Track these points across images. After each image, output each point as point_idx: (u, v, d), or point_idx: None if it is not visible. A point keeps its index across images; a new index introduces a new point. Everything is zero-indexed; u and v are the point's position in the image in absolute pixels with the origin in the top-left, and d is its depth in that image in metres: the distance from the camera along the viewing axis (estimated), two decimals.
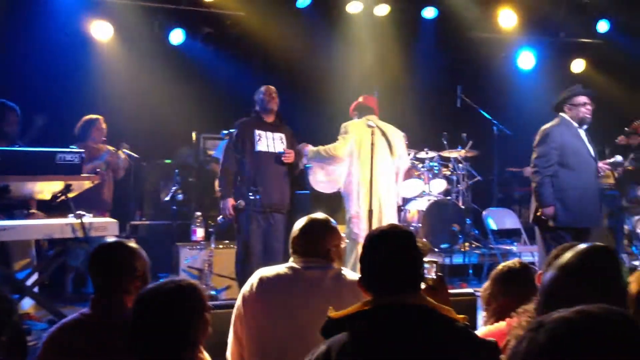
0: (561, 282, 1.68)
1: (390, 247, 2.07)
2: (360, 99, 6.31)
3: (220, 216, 5.98)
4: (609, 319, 1.06)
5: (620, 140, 7.44)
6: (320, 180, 6.17)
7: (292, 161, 5.85)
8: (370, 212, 5.62)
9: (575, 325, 1.04)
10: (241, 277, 5.49)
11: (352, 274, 2.88)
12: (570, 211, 5.27)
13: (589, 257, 1.71)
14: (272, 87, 5.88)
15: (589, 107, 5.44)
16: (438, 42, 9.50)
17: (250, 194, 5.52)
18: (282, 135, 5.89)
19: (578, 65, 10.08)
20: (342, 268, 2.94)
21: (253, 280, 2.85)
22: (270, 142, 5.80)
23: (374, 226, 5.27)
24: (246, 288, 2.85)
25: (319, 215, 3.05)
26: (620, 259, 1.72)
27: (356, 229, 5.86)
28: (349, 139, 5.98)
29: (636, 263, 7.31)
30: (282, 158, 5.77)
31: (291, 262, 2.90)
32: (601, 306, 1.09)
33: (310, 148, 6.05)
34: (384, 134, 6.05)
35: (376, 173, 5.73)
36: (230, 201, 5.70)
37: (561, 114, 5.46)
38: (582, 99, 5.44)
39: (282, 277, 2.82)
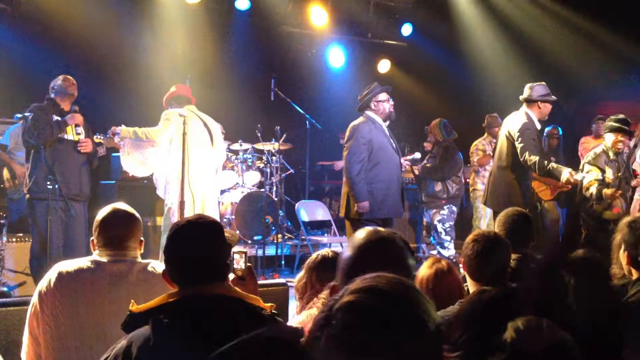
0: (352, 261, 1.74)
1: (196, 238, 2.01)
2: (174, 89, 6.13)
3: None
4: (390, 289, 1.07)
5: (427, 146, 8.02)
6: (133, 161, 5.94)
7: (90, 150, 5.64)
8: (182, 203, 5.49)
9: (361, 302, 1.04)
10: (37, 273, 5.15)
11: (161, 266, 2.76)
12: (376, 203, 5.53)
13: (372, 238, 1.80)
14: (71, 77, 5.68)
15: (391, 102, 5.75)
16: (252, 34, 9.53)
17: (48, 183, 5.14)
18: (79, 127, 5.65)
19: (384, 66, 10.67)
20: (151, 261, 2.81)
21: (51, 275, 2.64)
22: (67, 133, 5.57)
23: None
24: (43, 283, 2.64)
25: (122, 205, 2.89)
26: (401, 242, 1.84)
27: (175, 220, 5.70)
28: (169, 126, 5.85)
29: (434, 252, 7.87)
30: (79, 147, 5.57)
31: (94, 256, 2.71)
32: (378, 276, 1.10)
33: (123, 127, 5.78)
34: (205, 124, 6.01)
35: (196, 164, 5.69)
36: None
37: (366, 111, 5.70)
38: (384, 95, 5.73)
39: (83, 271, 2.64)
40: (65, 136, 5.52)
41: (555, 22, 9.13)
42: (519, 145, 5.59)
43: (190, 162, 5.77)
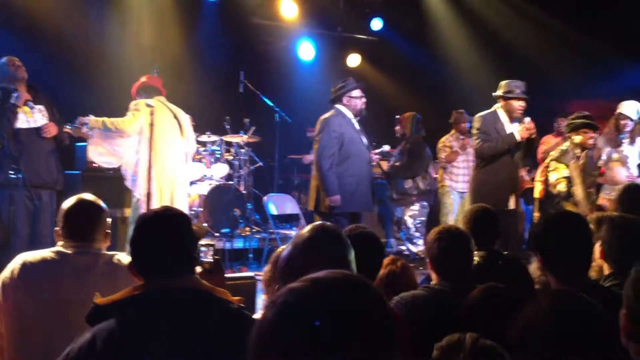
0: (294, 256, 1.74)
1: (162, 230, 1.99)
2: (144, 79, 6.04)
3: None
4: (334, 282, 1.06)
5: (397, 130, 7.92)
6: (101, 152, 5.80)
7: (54, 134, 5.39)
8: (149, 194, 5.43)
9: (302, 293, 1.03)
10: None
11: (127, 258, 2.72)
12: (346, 197, 5.54)
13: (316, 233, 1.81)
14: (14, 57, 5.36)
15: (364, 99, 5.76)
16: (221, 25, 9.45)
17: (11, 172, 4.98)
18: (41, 107, 5.40)
19: (354, 60, 10.68)
20: (116, 253, 2.77)
21: (14, 265, 2.61)
22: (28, 116, 5.30)
23: None
24: (6, 274, 2.60)
25: (88, 196, 2.85)
26: (344, 238, 1.86)
27: (144, 212, 5.61)
28: (139, 117, 5.73)
29: (402, 247, 7.93)
30: (42, 134, 5.31)
31: (59, 247, 2.67)
32: (329, 271, 1.08)
33: (92, 117, 5.64)
34: (175, 116, 5.94)
35: (166, 155, 5.64)
36: None
37: (337, 105, 5.70)
38: (358, 92, 5.74)
39: (48, 262, 2.62)
40: (24, 119, 5.25)
41: (523, 19, 9.24)
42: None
43: (158, 153, 5.70)
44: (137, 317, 1.82)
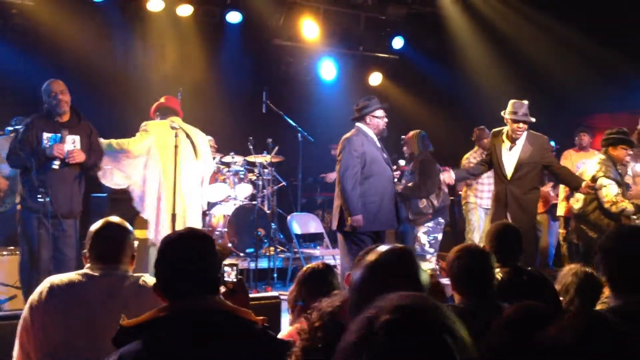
0: (367, 279, 1.74)
1: (186, 251, 2.01)
2: (163, 100, 6.09)
3: None
4: (427, 310, 1.09)
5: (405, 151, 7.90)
6: (110, 173, 5.76)
7: (78, 161, 5.29)
8: (174, 216, 5.46)
9: (410, 309, 1.07)
10: (27, 286, 5.01)
11: (152, 280, 2.75)
12: (370, 216, 5.53)
13: (390, 257, 1.80)
14: (60, 83, 5.33)
15: (386, 119, 5.79)
16: (243, 47, 9.56)
17: (39, 196, 5.04)
18: (76, 137, 5.36)
19: (375, 78, 10.70)
20: (143, 274, 2.80)
21: (42, 288, 2.63)
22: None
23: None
24: (34, 297, 2.62)
25: (115, 218, 2.88)
26: (416, 259, 1.85)
27: (153, 234, 5.63)
28: (147, 137, 5.75)
29: (422, 264, 7.84)
30: (67, 160, 5.23)
31: (86, 269, 2.70)
32: (402, 294, 1.12)
33: (101, 140, 5.64)
34: (188, 136, 5.88)
35: (180, 176, 5.58)
36: None
37: (358, 124, 5.72)
38: (381, 112, 5.76)
39: (75, 284, 2.63)
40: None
41: (545, 35, 9.19)
42: None
43: (169, 174, 5.66)
44: (162, 339, 1.83)
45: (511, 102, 5.87)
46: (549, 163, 5.94)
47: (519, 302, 2.32)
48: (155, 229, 5.61)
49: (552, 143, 7.72)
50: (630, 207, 5.66)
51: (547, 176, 7.45)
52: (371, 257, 1.79)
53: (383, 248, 1.85)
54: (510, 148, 5.89)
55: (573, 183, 5.92)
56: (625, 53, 8.48)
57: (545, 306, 2.25)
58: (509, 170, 5.88)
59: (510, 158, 5.90)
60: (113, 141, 5.71)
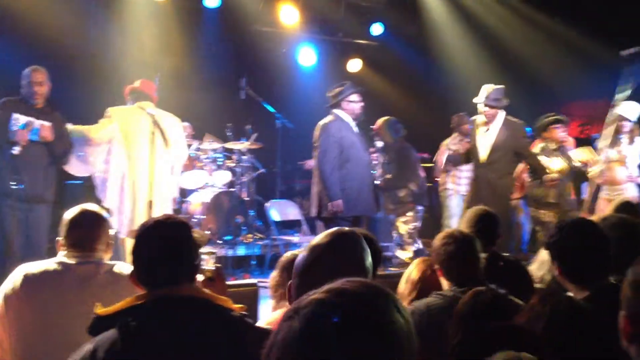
0: (310, 262, 1.73)
1: (163, 238, 1.99)
2: (137, 84, 5.87)
3: None
4: (361, 293, 1.06)
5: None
6: (72, 160, 5.59)
7: (46, 137, 5.22)
8: (150, 203, 5.39)
9: (329, 304, 1.03)
10: None
11: (128, 267, 2.72)
12: (349, 201, 5.54)
13: (333, 238, 1.79)
14: (41, 71, 5.29)
15: (362, 103, 5.79)
16: (222, 32, 9.47)
17: (13, 183, 4.96)
18: (46, 124, 5.27)
19: (355, 65, 10.68)
20: (117, 262, 2.78)
21: (16, 277, 2.60)
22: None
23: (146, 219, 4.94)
24: (8, 286, 2.59)
25: (91, 206, 2.85)
26: (363, 243, 1.84)
27: (117, 223, 5.46)
28: (109, 124, 5.54)
29: (399, 252, 7.87)
30: (37, 135, 5.17)
31: (61, 257, 2.67)
32: (352, 280, 1.09)
33: (67, 126, 5.51)
34: (156, 122, 5.63)
35: (141, 164, 5.45)
36: None
37: (335, 110, 5.71)
38: (357, 96, 5.76)
39: (50, 273, 2.61)
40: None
41: (524, 23, 9.25)
42: None
43: (134, 163, 5.51)
44: (138, 327, 1.81)
45: (484, 87, 5.97)
46: (521, 150, 6.01)
47: (471, 291, 2.33)
48: (118, 219, 5.48)
49: (529, 130, 7.79)
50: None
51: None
52: (316, 240, 1.78)
53: (330, 231, 1.84)
54: (486, 132, 5.96)
55: (538, 173, 6.03)
56: (603, 41, 8.55)
57: (500, 293, 2.26)
58: (483, 153, 5.95)
59: (485, 142, 5.97)
60: (77, 128, 5.54)
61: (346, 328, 0.99)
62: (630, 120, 6.35)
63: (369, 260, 1.80)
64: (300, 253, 1.78)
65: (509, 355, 1.60)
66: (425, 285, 2.96)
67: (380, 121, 7.31)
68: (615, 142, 6.44)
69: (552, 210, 6.28)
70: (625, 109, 6.36)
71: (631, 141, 6.43)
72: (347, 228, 1.90)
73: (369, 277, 1.77)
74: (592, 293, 2.37)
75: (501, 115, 5.95)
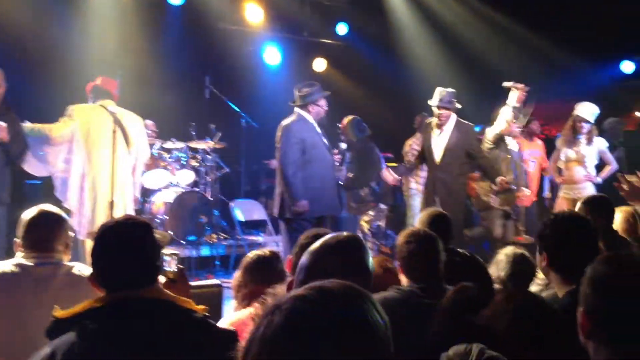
0: (311, 264, 1.75)
1: (123, 240, 1.96)
2: (98, 81, 5.76)
3: None
4: (341, 291, 1.08)
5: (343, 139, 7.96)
6: (31, 160, 5.41)
7: (4, 139, 5.00)
8: (112, 203, 5.30)
9: (310, 301, 1.04)
10: None
11: (87, 269, 2.68)
12: (313, 202, 5.54)
13: (340, 242, 1.82)
14: None
15: (326, 108, 5.81)
16: (186, 30, 9.36)
17: None
18: (1, 124, 5.03)
19: (320, 64, 10.70)
20: (76, 263, 2.73)
21: None
22: None
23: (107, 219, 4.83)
24: None
25: (49, 206, 2.80)
26: (365, 245, 1.88)
27: (77, 224, 5.36)
28: (70, 123, 5.44)
29: None
30: None
31: (19, 258, 2.62)
32: (333, 281, 1.11)
33: (23, 126, 5.31)
34: (118, 121, 5.56)
35: (102, 164, 5.36)
36: None
37: (298, 110, 5.70)
38: (324, 101, 5.77)
39: (7, 275, 2.58)
40: None
41: (485, 25, 9.38)
42: None
43: (93, 162, 5.42)
44: (97, 330, 1.78)
45: (437, 89, 6.03)
46: (473, 151, 6.08)
47: (457, 286, 2.36)
48: (78, 220, 5.38)
49: (478, 128, 7.92)
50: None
51: None
52: (320, 242, 1.80)
53: (330, 234, 1.86)
54: (440, 135, 6.04)
55: (490, 175, 6.11)
56: (559, 44, 8.74)
57: (480, 289, 2.29)
58: (437, 155, 6.02)
59: (438, 144, 6.04)
60: (36, 126, 5.39)
61: (326, 323, 1.01)
62: (588, 122, 6.48)
63: (370, 260, 1.83)
64: (302, 256, 1.79)
65: (459, 348, 1.63)
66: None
67: (345, 120, 7.39)
68: (573, 142, 6.57)
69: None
70: (584, 110, 6.50)
71: (589, 142, 6.56)
72: (344, 233, 1.91)
73: (371, 277, 1.81)
74: (577, 287, 2.40)
75: (453, 117, 6.04)
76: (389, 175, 6.45)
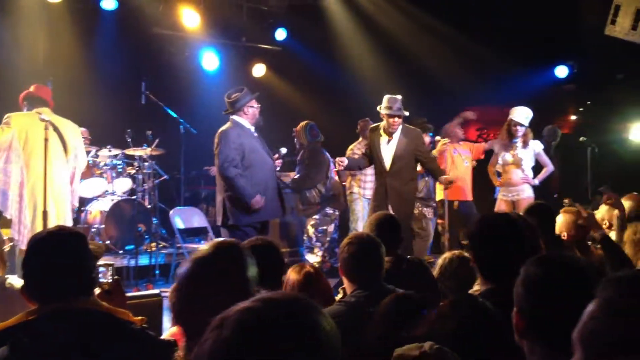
0: (192, 273, 1.73)
1: (57, 250, 1.90)
2: (32, 89, 5.63)
3: None
4: (287, 302, 1.07)
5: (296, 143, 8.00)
6: None
7: None
8: (45, 213, 5.12)
9: (256, 312, 1.03)
10: None
11: (19, 281, 2.57)
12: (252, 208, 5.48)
13: (215, 249, 1.80)
14: None
15: (259, 106, 5.78)
16: (120, 35, 9.16)
17: None
18: None
19: (259, 70, 10.64)
20: (9, 276, 2.62)
21: None
22: None
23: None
24: None
25: None
26: (245, 253, 1.85)
27: (17, 233, 5.18)
28: (8, 131, 5.28)
29: (309, 255, 7.92)
30: None
31: None
32: (280, 292, 1.11)
33: None
34: (56, 129, 5.44)
35: (50, 172, 5.21)
36: None
37: (233, 117, 5.65)
38: (255, 101, 5.73)
39: None
40: None
41: (423, 31, 9.54)
42: None
43: (31, 170, 5.28)
44: (31, 344, 1.71)
45: (386, 97, 6.09)
46: (420, 154, 6.20)
47: (395, 293, 2.37)
48: (18, 229, 5.19)
49: (431, 134, 8.06)
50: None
51: None
52: (199, 252, 1.79)
53: (213, 241, 1.85)
54: (388, 142, 6.10)
55: (435, 174, 6.34)
56: (495, 50, 8.97)
57: (419, 295, 2.31)
58: (387, 162, 6.09)
59: (388, 151, 6.11)
60: None
61: (273, 335, 1.00)
62: (522, 125, 6.66)
63: (252, 269, 1.80)
64: (183, 265, 1.76)
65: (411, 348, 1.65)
66: (305, 290, 2.93)
67: (301, 123, 7.49)
68: (510, 146, 6.75)
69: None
70: (518, 114, 6.68)
71: (525, 145, 6.75)
72: (229, 239, 1.91)
73: (253, 286, 1.78)
74: (495, 287, 2.43)
75: (400, 124, 6.12)
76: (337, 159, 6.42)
